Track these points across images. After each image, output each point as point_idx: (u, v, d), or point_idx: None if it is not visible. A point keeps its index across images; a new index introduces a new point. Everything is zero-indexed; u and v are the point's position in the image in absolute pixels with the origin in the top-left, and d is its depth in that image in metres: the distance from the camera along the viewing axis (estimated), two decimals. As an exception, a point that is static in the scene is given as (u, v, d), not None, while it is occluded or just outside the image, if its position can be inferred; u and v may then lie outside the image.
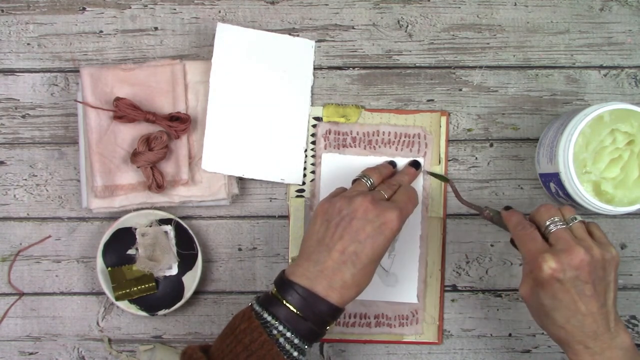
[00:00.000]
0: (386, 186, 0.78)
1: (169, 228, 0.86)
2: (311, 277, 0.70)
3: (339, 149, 0.87)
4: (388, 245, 0.73)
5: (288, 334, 0.69)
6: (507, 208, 0.76)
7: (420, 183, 0.86)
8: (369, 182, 0.79)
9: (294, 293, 0.70)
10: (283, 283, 0.71)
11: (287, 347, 0.69)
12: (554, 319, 0.69)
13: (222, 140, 0.85)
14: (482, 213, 0.79)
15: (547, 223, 0.71)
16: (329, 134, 0.87)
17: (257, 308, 0.70)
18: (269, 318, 0.69)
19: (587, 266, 0.67)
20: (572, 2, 0.88)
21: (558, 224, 0.70)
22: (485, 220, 0.79)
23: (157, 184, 0.83)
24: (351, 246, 0.71)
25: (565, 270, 0.67)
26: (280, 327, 0.69)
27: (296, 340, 0.69)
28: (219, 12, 0.88)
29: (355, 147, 0.87)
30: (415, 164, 0.85)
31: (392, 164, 0.85)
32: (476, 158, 0.88)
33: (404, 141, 0.87)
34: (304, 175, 0.87)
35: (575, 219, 0.71)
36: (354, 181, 0.80)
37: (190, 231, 0.85)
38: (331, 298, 0.70)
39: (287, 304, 0.69)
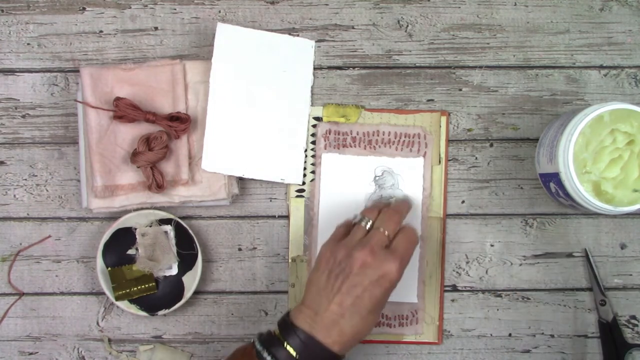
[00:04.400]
0: (387, 218, 0.77)
1: (169, 228, 0.86)
2: (312, 324, 0.72)
3: (339, 148, 0.87)
4: (388, 295, 0.74)
5: None
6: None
7: (420, 183, 0.86)
8: (369, 224, 0.78)
9: (296, 337, 0.72)
10: (286, 326, 0.73)
11: None
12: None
13: (222, 140, 0.85)
14: None
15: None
16: (329, 134, 0.87)
17: (259, 347, 0.72)
18: (269, 359, 0.71)
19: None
20: (572, 2, 0.88)
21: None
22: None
23: (157, 184, 0.83)
24: (348, 299, 0.72)
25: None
26: None
27: None
28: (219, 12, 0.88)
29: (355, 147, 0.87)
30: (407, 199, 0.85)
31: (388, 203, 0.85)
32: (476, 158, 0.88)
33: (404, 141, 0.87)
34: (304, 175, 0.87)
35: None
36: (354, 224, 0.79)
37: (190, 231, 0.85)
38: (331, 346, 0.72)
39: (288, 347, 0.71)
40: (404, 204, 0.82)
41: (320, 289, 0.74)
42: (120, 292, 0.84)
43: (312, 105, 0.87)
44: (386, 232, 0.76)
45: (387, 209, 0.79)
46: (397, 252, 0.74)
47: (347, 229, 0.79)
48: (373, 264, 0.72)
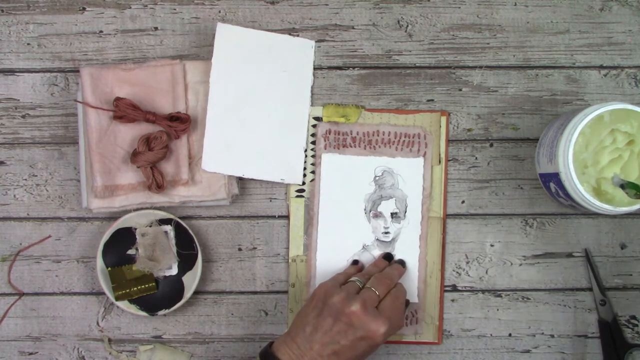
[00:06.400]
0: (377, 282, 0.79)
1: (169, 228, 0.86)
2: (294, 358, 0.75)
3: (339, 149, 0.87)
4: (370, 353, 0.76)
5: None
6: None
7: (420, 183, 0.86)
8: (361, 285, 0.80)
9: None
10: (267, 357, 0.75)
11: None
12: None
13: (222, 140, 0.85)
14: None
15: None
16: (329, 134, 0.87)
17: None
18: None
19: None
20: (572, 2, 0.88)
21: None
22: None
23: (157, 184, 0.83)
24: (331, 345, 0.75)
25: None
26: None
27: None
28: (219, 12, 0.88)
29: (355, 147, 0.87)
30: (402, 263, 0.86)
31: (388, 257, 0.86)
32: (476, 158, 0.88)
33: (404, 141, 0.87)
34: (304, 175, 0.87)
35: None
36: (349, 281, 0.80)
37: (190, 231, 0.85)
38: None
39: None
40: (398, 269, 0.84)
41: (305, 324, 0.76)
42: (120, 292, 0.84)
43: (312, 105, 0.87)
44: (377, 292, 0.78)
45: (378, 273, 0.82)
46: (385, 314, 0.76)
47: (346, 278, 0.81)
48: (362, 318, 0.75)
